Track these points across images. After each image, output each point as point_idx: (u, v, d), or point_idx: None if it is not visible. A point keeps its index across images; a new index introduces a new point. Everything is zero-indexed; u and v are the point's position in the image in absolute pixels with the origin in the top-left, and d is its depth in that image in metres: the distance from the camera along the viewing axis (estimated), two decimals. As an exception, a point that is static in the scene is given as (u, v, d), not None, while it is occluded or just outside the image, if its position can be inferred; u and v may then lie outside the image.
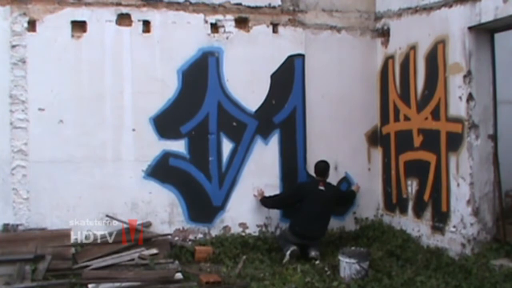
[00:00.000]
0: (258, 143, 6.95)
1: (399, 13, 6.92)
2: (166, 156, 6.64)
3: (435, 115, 6.26)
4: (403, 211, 6.90)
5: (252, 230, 6.88)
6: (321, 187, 6.58)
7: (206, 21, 6.77)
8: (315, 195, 6.52)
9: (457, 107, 5.94)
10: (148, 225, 6.54)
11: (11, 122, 6.19)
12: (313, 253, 6.31)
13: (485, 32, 5.84)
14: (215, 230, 6.78)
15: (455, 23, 5.94)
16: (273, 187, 6.94)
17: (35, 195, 6.23)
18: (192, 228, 6.73)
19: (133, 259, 5.97)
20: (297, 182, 6.96)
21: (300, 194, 6.61)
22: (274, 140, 6.99)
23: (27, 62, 6.22)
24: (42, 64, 6.26)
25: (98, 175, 6.43)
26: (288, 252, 6.27)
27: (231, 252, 6.43)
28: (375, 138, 7.43)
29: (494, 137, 5.91)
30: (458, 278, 5.38)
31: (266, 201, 6.75)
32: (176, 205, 6.68)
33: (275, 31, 7.03)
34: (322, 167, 6.69)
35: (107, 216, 6.40)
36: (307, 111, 7.03)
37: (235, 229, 6.83)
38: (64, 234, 6.14)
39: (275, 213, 6.97)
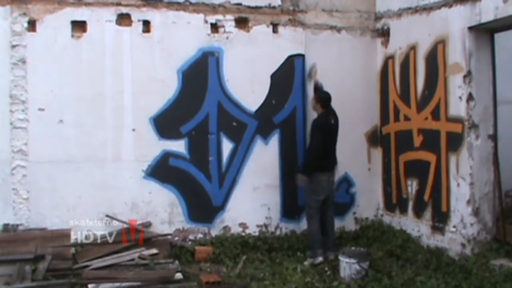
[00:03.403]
0: (258, 143, 6.95)
1: (399, 13, 6.92)
2: (166, 156, 6.65)
3: (435, 115, 6.26)
4: (403, 211, 6.90)
5: (252, 230, 6.88)
6: (332, 120, 6.44)
7: (206, 21, 6.77)
8: (329, 130, 6.39)
9: (457, 107, 5.94)
10: (148, 225, 6.55)
11: (11, 122, 6.19)
12: (331, 256, 6.23)
13: (485, 32, 5.84)
14: (215, 230, 6.78)
15: (455, 23, 5.95)
16: (273, 187, 6.95)
17: (35, 195, 6.23)
18: (192, 228, 6.73)
19: (133, 259, 5.97)
20: (314, 123, 6.53)
21: (324, 130, 6.33)
22: (274, 140, 6.99)
23: (27, 62, 6.22)
24: (42, 64, 6.26)
25: (98, 175, 6.43)
26: (318, 261, 6.14)
27: (231, 252, 6.44)
28: (375, 138, 7.44)
29: (494, 137, 5.91)
30: (458, 278, 5.38)
31: (307, 166, 6.38)
32: (176, 205, 6.68)
33: (275, 31, 7.03)
34: (330, 98, 6.45)
35: (107, 216, 6.41)
36: (307, 111, 7.03)
37: (235, 229, 6.83)
38: (64, 234, 6.14)
39: (275, 213, 6.97)
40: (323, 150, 6.28)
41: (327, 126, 6.40)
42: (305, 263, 6.14)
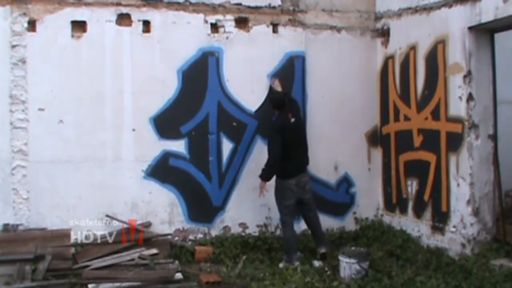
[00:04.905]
0: (258, 143, 6.94)
1: (399, 13, 6.92)
2: (166, 156, 6.65)
3: (435, 115, 6.26)
4: (403, 211, 6.90)
5: (252, 230, 6.88)
6: (292, 119, 6.33)
7: (206, 21, 6.77)
8: (290, 130, 6.27)
9: (457, 107, 5.94)
10: (148, 225, 6.55)
11: (11, 122, 6.19)
12: (323, 250, 6.26)
13: (485, 32, 5.84)
14: (215, 230, 6.78)
15: (455, 23, 5.94)
16: (273, 187, 6.92)
17: (35, 195, 6.23)
18: (192, 228, 6.73)
19: (133, 259, 5.97)
20: (271, 124, 6.51)
21: (283, 130, 6.22)
22: (274, 140, 6.98)
23: (27, 62, 6.22)
24: (42, 64, 6.26)
25: (98, 175, 6.43)
26: (296, 264, 6.11)
27: (231, 252, 6.44)
28: (375, 138, 7.43)
29: (494, 137, 5.91)
30: (458, 278, 5.38)
31: (267, 172, 6.26)
32: (176, 205, 6.68)
33: (275, 31, 7.03)
34: (280, 100, 6.39)
35: (107, 216, 6.41)
36: (307, 111, 7.03)
37: (235, 229, 6.83)
38: (64, 234, 6.14)
39: (275, 213, 6.95)
40: (286, 152, 6.17)
41: (286, 126, 6.29)
42: (280, 265, 6.12)
